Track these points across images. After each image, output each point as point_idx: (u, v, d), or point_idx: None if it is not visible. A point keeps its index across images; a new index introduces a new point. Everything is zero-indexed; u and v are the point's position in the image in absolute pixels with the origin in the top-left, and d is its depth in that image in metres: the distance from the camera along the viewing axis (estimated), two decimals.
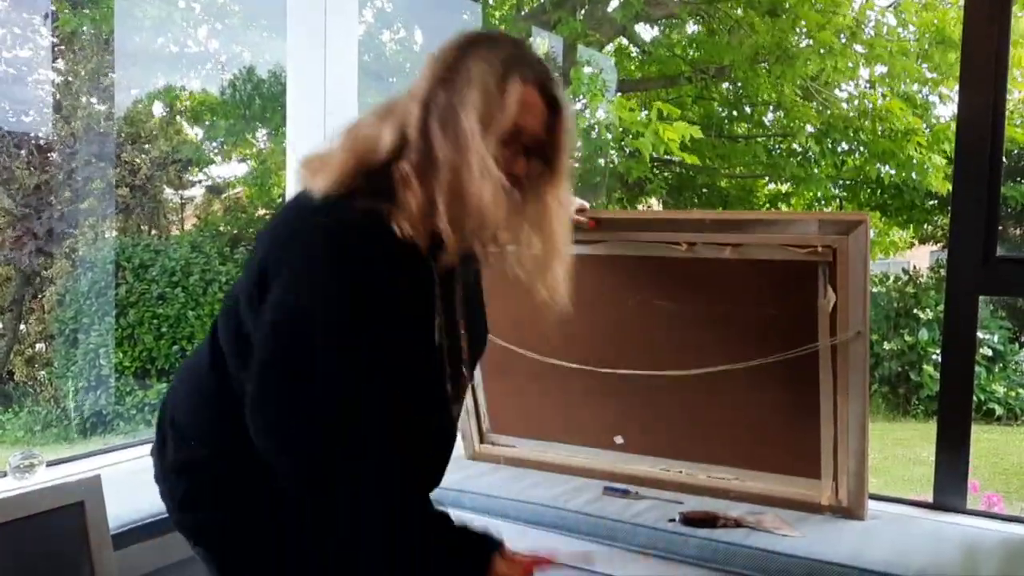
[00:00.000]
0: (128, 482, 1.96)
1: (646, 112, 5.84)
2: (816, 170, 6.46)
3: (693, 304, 1.88)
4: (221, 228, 7.30)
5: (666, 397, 1.96)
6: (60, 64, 6.39)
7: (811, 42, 6.31)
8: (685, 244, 1.81)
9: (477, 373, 2.13)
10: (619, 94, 6.35)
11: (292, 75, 2.49)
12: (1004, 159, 1.91)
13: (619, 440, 2.08)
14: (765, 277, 1.77)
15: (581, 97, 6.13)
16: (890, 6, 6.57)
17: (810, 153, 6.59)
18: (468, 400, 2.16)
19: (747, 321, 1.83)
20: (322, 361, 1.12)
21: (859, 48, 6.30)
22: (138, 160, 6.86)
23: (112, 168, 6.40)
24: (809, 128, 6.63)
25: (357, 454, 1.13)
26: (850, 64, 6.28)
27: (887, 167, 6.40)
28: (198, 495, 1.31)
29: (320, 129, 2.39)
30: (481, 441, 2.30)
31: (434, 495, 1.31)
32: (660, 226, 1.86)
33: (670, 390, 1.94)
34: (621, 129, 5.95)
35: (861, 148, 6.61)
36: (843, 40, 6.20)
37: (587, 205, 1.85)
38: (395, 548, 1.18)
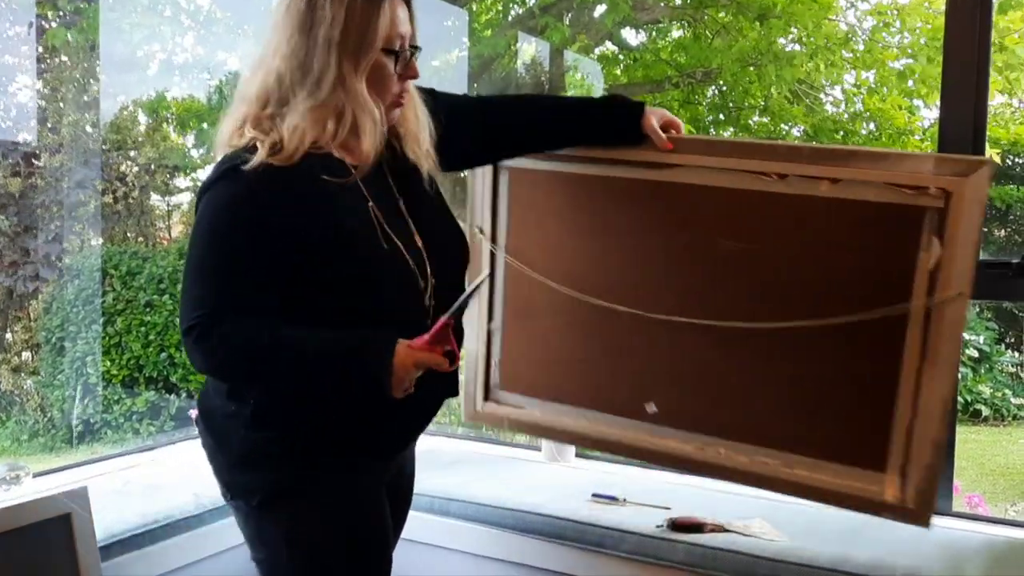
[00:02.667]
0: (116, 493, 1.96)
1: None
2: None
3: (767, 247, 1.63)
4: None
5: (715, 356, 1.70)
6: (46, 73, 6.36)
7: (800, 46, 6.35)
8: (775, 175, 1.60)
9: (498, 314, 1.96)
10: None
11: None
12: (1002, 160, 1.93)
13: (651, 408, 1.78)
14: (859, 221, 1.54)
15: None
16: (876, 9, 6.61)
17: None
18: (477, 347, 1.96)
19: (828, 271, 1.59)
20: (193, 257, 1.36)
21: (847, 53, 6.33)
22: (124, 167, 6.84)
23: (97, 176, 6.37)
24: (797, 131, 6.66)
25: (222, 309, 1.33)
26: (846, 64, 6.33)
27: None
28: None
29: None
30: (486, 398, 2.00)
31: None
32: (748, 153, 1.64)
33: (721, 347, 1.68)
34: None
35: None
36: (830, 43, 6.24)
37: (678, 122, 1.68)
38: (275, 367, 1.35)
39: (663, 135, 1.64)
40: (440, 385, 1.49)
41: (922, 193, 1.48)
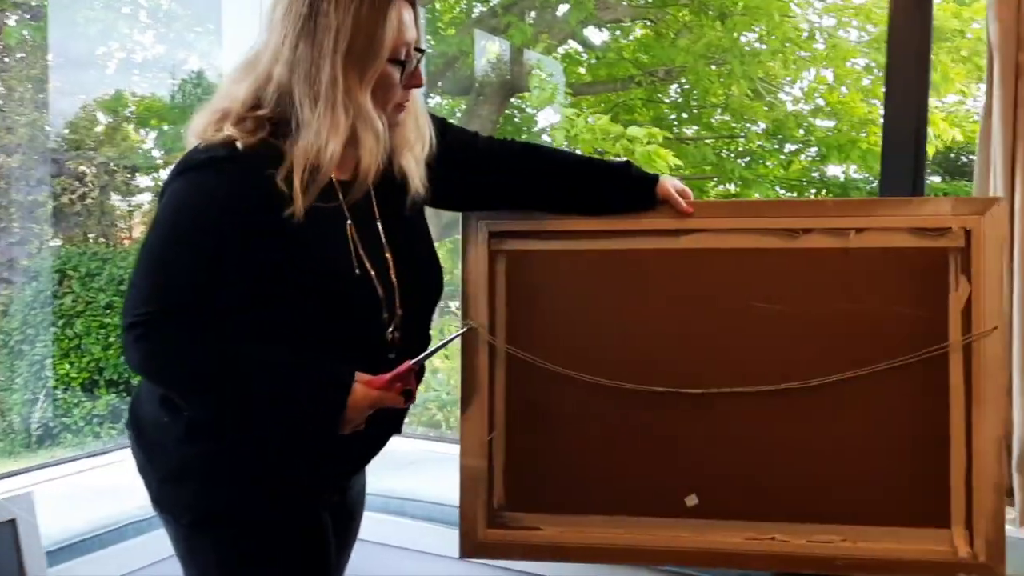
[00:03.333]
0: (65, 498, 1.94)
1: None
2: (762, 169, 6.56)
3: (800, 304, 1.62)
4: None
5: (757, 427, 1.62)
6: (3, 72, 6.26)
7: (761, 44, 6.41)
8: (801, 230, 1.61)
9: (499, 421, 1.72)
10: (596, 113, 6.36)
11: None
12: (951, 158, 1.98)
13: (692, 501, 1.64)
14: (886, 269, 1.59)
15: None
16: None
17: (758, 153, 6.69)
18: (474, 463, 1.70)
19: (863, 322, 1.60)
20: (150, 245, 1.28)
21: (804, 54, 6.41)
22: (83, 167, 6.75)
23: (50, 175, 6.28)
24: (758, 128, 6.73)
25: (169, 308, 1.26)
26: (805, 62, 6.41)
27: (836, 166, 6.53)
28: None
29: None
30: (490, 524, 1.70)
31: None
32: (771, 211, 1.66)
33: (764, 417, 1.62)
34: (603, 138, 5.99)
35: (812, 147, 6.73)
36: (789, 43, 6.30)
37: (688, 191, 1.67)
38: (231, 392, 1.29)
39: (681, 200, 1.61)
40: (388, 423, 1.44)
41: (944, 234, 1.56)
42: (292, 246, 1.27)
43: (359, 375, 1.29)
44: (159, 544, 1.91)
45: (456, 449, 2.51)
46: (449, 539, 2.00)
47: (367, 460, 1.52)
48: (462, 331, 1.57)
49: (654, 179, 1.63)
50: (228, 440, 1.33)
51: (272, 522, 1.36)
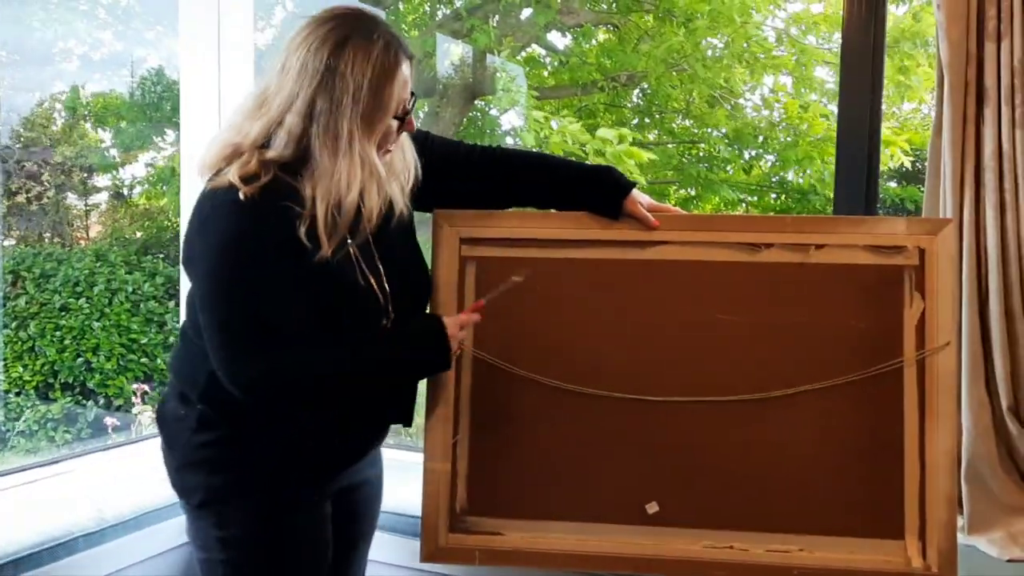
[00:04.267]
0: (13, 510, 1.90)
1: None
2: (723, 175, 6.62)
3: (758, 316, 1.67)
4: (127, 236, 7.10)
5: (717, 437, 1.66)
6: None
7: (723, 49, 6.47)
8: (763, 245, 1.67)
9: (464, 424, 1.73)
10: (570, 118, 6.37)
11: (185, 76, 2.46)
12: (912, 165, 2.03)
13: (652, 508, 1.67)
14: (844, 285, 1.65)
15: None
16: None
17: (717, 159, 6.75)
18: (438, 466, 1.72)
19: (820, 336, 1.65)
20: (211, 297, 1.41)
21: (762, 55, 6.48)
22: (38, 166, 6.63)
23: (4, 173, 6.17)
24: (718, 133, 6.79)
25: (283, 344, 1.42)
26: (766, 67, 6.49)
27: (794, 173, 6.61)
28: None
29: (215, 131, 2.36)
30: (452, 528, 1.72)
31: None
32: (733, 226, 1.72)
33: (724, 426, 1.66)
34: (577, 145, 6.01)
35: (769, 154, 6.81)
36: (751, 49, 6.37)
37: (665, 206, 1.74)
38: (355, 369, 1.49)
39: (649, 215, 1.67)
40: (393, 409, 1.62)
41: (899, 252, 1.63)
42: (314, 267, 1.42)
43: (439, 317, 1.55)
44: (112, 558, 1.89)
45: (417, 457, 2.51)
46: (407, 549, 2.00)
47: (364, 452, 1.65)
48: (517, 280, 1.65)
49: (625, 191, 1.67)
50: (233, 430, 1.49)
51: (272, 505, 1.51)
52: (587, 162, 2.40)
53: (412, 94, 1.49)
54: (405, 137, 1.56)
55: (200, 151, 1.48)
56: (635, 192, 1.68)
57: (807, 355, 1.65)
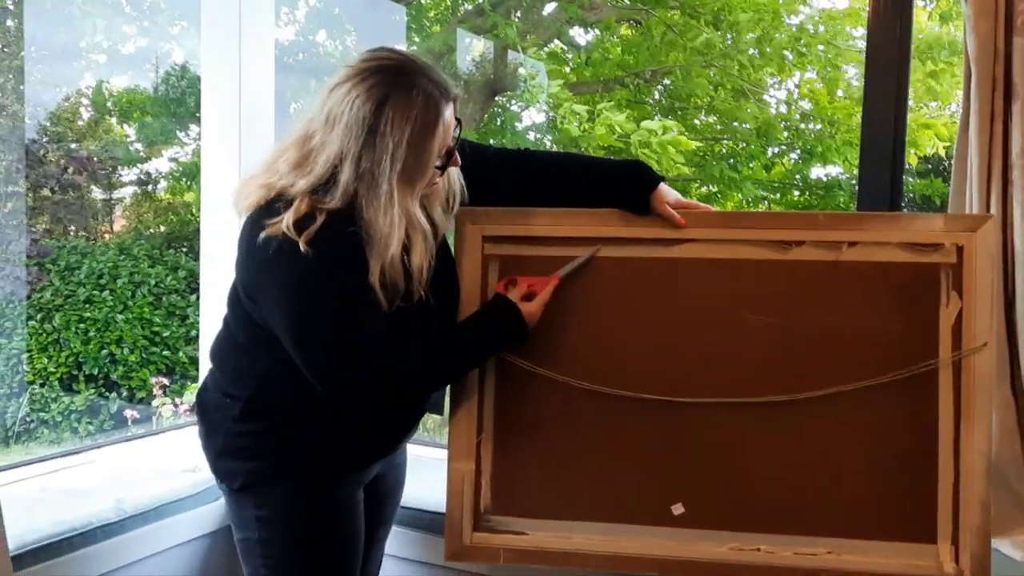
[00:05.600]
0: (33, 500, 1.92)
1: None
2: (745, 172, 6.57)
3: (791, 317, 1.61)
4: (151, 230, 7.17)
5: (747, 439, 1.62)
6: None
7: (752, 47, 6.44)
8: (794, 243, 1.62)
9: (488, 424, 1.70)
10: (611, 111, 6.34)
11: (206, 71, 2.47)
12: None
13: (678, 510, 1.64)
14: (877, 284, 1.59)
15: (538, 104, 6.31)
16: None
17: (743, 155, 6.71)
18: (462, 466, 1.69)
19: (852, 336, 1.59)
20: (298, 335, 1.44)
21: (789, 54, 6.44)
22: (64, 160, 6.70)
23: (26, 167, 6.23)
24: (746, 127, 6.75)
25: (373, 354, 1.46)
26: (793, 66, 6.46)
27: (820, 167, 6.57)
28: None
29: (235, 127, 2.37)
30: (476, 527, 1.69)
31: None
32: (764, 224, 1.66)
33: (753, 428, 1.62)
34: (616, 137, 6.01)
35: (796, 149, 6.76)
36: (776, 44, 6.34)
37: (694, 202, 1.71)
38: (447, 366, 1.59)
39: (675, 213, 1.63)
40: (426, 399, 1.66)
41: (936, 250, 1.57)
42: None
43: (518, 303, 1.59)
44: (132, 548, 1.90)
45: (434, 452, 2.51)
46: (432, 546, 1.99)
47: (400, 441, 1.69)
48: (593, 252, 1.66)
49: (653, 185, 1.64)
50: (276, 422, 1.55)
51: (310, 490, 1.56)
52: (613, 158, 2.37)
53: (458, 121, 1.49)
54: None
55: (236, 188, 1.51)
56: (663, 188, 1.64)
57: (839, 355, 1.59)
